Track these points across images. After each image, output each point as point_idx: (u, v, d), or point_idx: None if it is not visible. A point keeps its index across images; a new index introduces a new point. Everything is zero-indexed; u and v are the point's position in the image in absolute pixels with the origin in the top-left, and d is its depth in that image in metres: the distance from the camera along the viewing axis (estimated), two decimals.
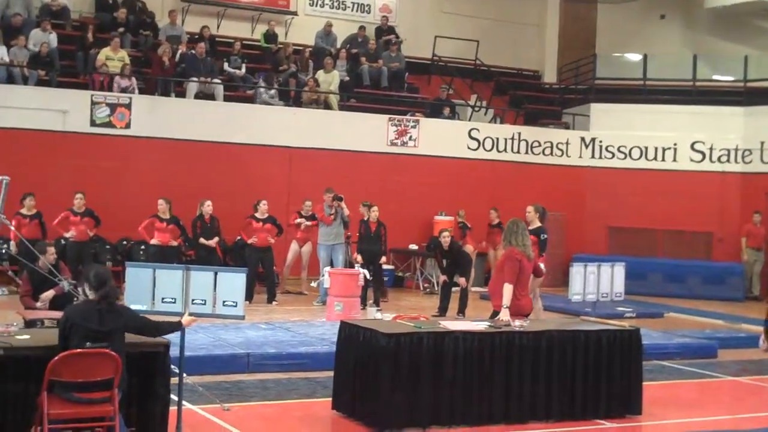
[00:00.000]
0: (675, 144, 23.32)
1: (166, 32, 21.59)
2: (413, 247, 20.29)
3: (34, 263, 10.77)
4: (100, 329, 7.14)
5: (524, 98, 24.99)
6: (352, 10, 25.00)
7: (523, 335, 9.22)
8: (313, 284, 17.89)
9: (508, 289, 9.71)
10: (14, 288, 15.69)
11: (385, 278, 18.11)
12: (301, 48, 22.94)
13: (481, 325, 9.42)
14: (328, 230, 17.35)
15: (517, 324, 9.38)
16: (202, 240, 16.78)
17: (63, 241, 15.98)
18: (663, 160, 23.43)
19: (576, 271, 15.31)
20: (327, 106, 21.54)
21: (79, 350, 7.04)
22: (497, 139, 22.60)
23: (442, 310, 15.71)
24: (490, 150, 22.48)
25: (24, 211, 15.80)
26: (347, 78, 22.49)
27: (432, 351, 8.82)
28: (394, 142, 21.44)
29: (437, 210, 20.91)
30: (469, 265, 16.53)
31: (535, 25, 27.03)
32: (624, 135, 23.43)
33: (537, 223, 13.16)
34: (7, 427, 7.38)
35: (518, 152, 22.78)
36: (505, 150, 22.63)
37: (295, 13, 24.15)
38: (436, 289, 18.48)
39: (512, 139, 22.79)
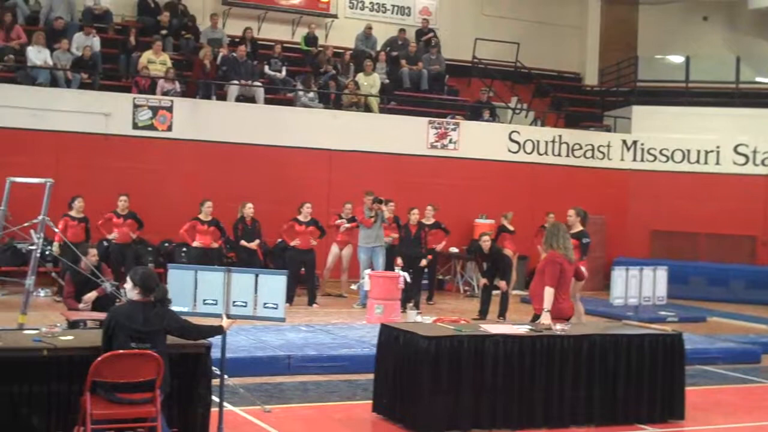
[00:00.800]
0: (718, 147, 23.11)
1: (207, 35, 21.72)
2: (453, 250, 20.25)
3: (76, 265, 10.86)
4: (143, 330, 7.19)
5: (565, 100, 24.87)
6: (392, 12, 25.00)
7: (564, 339, 9.17)
8: (354, 287, 17.90)
9: (549, 293, 9.66)
10: (57, 289, 15.89)
11: (425, 281, 18.06)
12: (341, 51, 22.99)
13: (521, 329, 9.38)
14: (369, 233, 17.35)
15: (558, 327, 9.32)
16: (243, 242, 16.85)
17: (105, 243, 16.11)
18: (706, 162, 23.22)
19: (618, 274, 15.23)
20: (367, 108, 21.57)
21: (121, 351, 7.10)
22: (538, 141, 22.51)
23: (483, 314, 15.66)
24: (531, 153, 22.39)
25: (73, 213, 15.93)
26: (387, 81, 22.50)
27: (472, 354, 8.79)
28: (434, 144, 21.41)
29: (477, 213, 20.84)
30: (510, 269, 16.47)
31: (576, 27, 26.89)
32: (666, 138, 23.24)
33: (579, 227, 13.07)
34: (51, 427, 7.45)
35: (559, 155, 22.68)
36: (545, 153, 22.53)
37: (335, 16, 24.19)
38: (476, 292, 18.43)
39: (553, 141, 22.69)
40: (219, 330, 7.71)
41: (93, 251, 11.06)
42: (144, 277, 7.40)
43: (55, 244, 15.25)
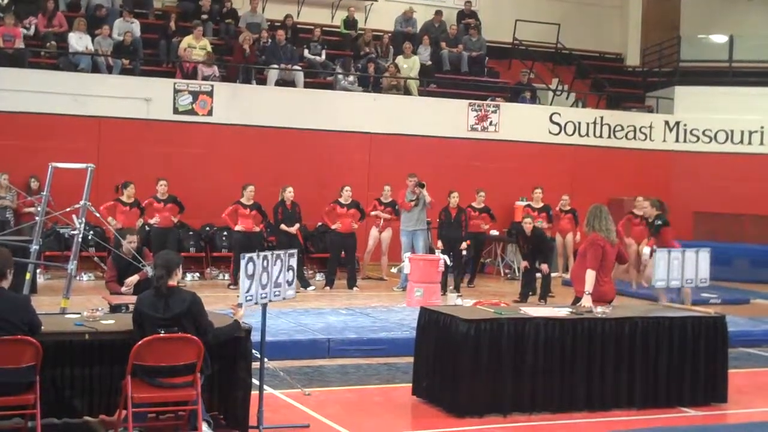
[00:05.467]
0: (762, 127, 22.82)
1: (246, 20, 21.75)
2: (494, 232, 20.16)
3: (119, 249, 10.94)
4: (165, 316, 7.23)
5: (606, 81, 24.63)
6: None
7: (605, 322, 9.12)
8: (394, 270, 17.90)
9: (590, 275, 9.59)
10: (100, 273, 16.02)
11: (466, 264, 18.01)
12: (380, 34, 22.93)
13: (562, 312, 9.33)
14: (409, 216, 17.33)
15: (599, 310, 9.26)
16: (282, 226, 16.88)
17: (147, 228, 16.22)
18: (749, 143, 22.94)
19: (660, 256, 15.03)
20: (407, 91, 21.52)
21: (162, 335, 7.15)
22: (579, 123, 22.34)
23: (523, 296, 15.60)
24: (572, 134, 22.23)
25: (124, 198, 16.04)
26: (428, 63, 22.42)
27: (512, 337, 8.76)
28: (474, 127, 21.33)
29: (518, 195, 20.74)
30: (551, 251, 16.37)
31: (617, 7, 26.64)
32: (709, 118, 22.97)
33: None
34: (93, 409, 7.54)
35: (601, 136, 22.49)
36: (587, 134, 22.35)
37: None
38: (517, 275, 18.36)
39: (594, 123, 22.50)
40: (237, 327, 7.71)
41: (132, 237, 11.11)
42: (165, 261, 7.48)
43: (115, 221, 15.28)
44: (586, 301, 9.50)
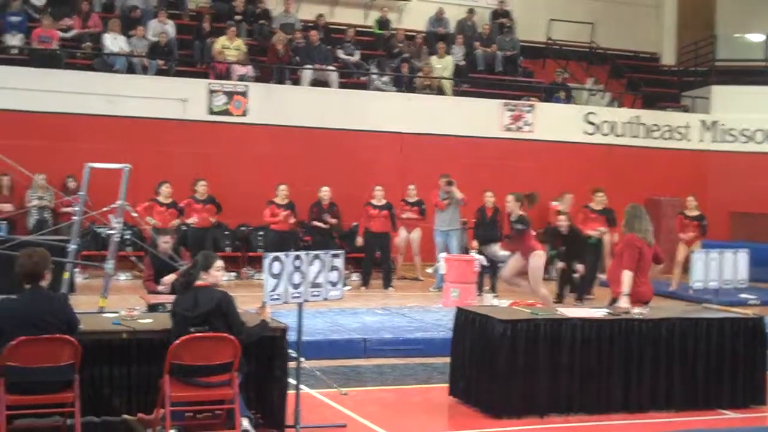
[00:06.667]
0: None
1: (280, 20, 21.80)
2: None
3: (156, 249, 10.98)
4: (194, 314, 7.25)
5: (642, 81, 24.47)
6: None
7: (642, 323, 9.06)
8: (429, 270, 17.86)
9: (627, 276, 9.52)
10: (137, 273, 16.09)
11: (502, 265, 17.90)
12: (413, 34, 22.91)
13: (599, 312, 9.28)
14: (443, 216, 17.31)
15: (637, 311, 9.20)
16: (314, 222, 16.92)
17: (184, 228, 16.27)
18: None
19: (698, 257, 14.91)
20: (440, 91, 21.48)
21: (198, 334, 7.17)
22: (614, 123, 22.20)
23: (560, 297, 15.51)
24: (607, 134, 22.09)
25: (161, 198, 16.11)
26: (462, 63, 22.37)
27: (549, 338, 8.73)
28: (508, 127, 21.25)
29: (553, 196, 20.62)
30: (587, 252, 16.24)
31: (652, 6, 26.44)
32: (747, 118, 22.76)
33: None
34: (132, 408, 7.57)
35: (636, 136, 22.34)
36: (622, 134, 22.20)
37: None
38: (553, 275, 18.25)
39: (630, 123, 22.35)
40: (265, 326, 7.71)
41: (166, 237, 11.14)
42: (199, 258, 7.52)
43: (154, 221, 15.36)
44: (624, 302, 9.44)
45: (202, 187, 16.53)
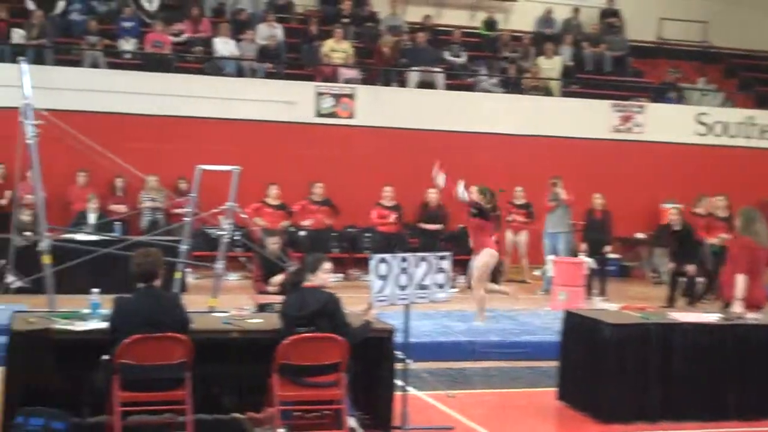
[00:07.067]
0: None
1: (387, 22, 21.87)
2: (639, 235, 19.77)
3: (264, 250, 11.11)
4: (301, 315, 7.29)
5: (756, 81, 23.86)
6: None
7: (757, 329, 8.83)
8: (537, 273, 17.72)
9: (741, 280, 9.28)
10: (247, 273, 16.32)
11: (611, 268, 17.68)
12: (520, 34, 22.75)
13: (712, 318, 9.07)
14: (551, 218, 17.15)
15: (751, 317, 8.97)
16: (422, 224, 16.93)
17: (291, 229, 16.44)
18: None
19: None
20: (548, 92, 21.29)
21: (307, 334, 7.22)
22: (728, 123, 21.67)
23: (671, 301, 15.21)
24: (720, 135, 21.58)
25: (269, 200, 16.30)
26: (570, 63, 22.14)
27: (660, 343, 8.59)
28: (618, 128, 20.94)
29: (663, 198, 20.26)
30: (699, 253, 15.89)
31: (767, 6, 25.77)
32: None
33: None
34: (241, 407, 7.66)
35: (750, 137, 21.76)
36: (736, 135, 21.66)
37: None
38: (664, 279, 17.93)
39: (743, 123, 21.80)
40: (368, 327, 7.70)
41: (274, 238, 11.25)
42: (307, 260, 7.57)
43: (262, 222, 15.59)
44: (737, 307, 9.21)
45: (318, 189, 16.68)
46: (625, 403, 8.51)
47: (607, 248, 16.70)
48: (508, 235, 17.79)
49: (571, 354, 9.09)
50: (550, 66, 21.51)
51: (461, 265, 17.78)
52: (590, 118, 20.69)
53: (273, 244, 11.05)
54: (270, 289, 10.72)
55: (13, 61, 16.48)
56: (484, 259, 12.63)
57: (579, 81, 21.98)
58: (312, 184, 16.65)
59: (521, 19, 23.61)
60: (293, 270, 7.66)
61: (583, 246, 16.23)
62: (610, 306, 12.10)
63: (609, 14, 23.96)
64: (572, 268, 14.91)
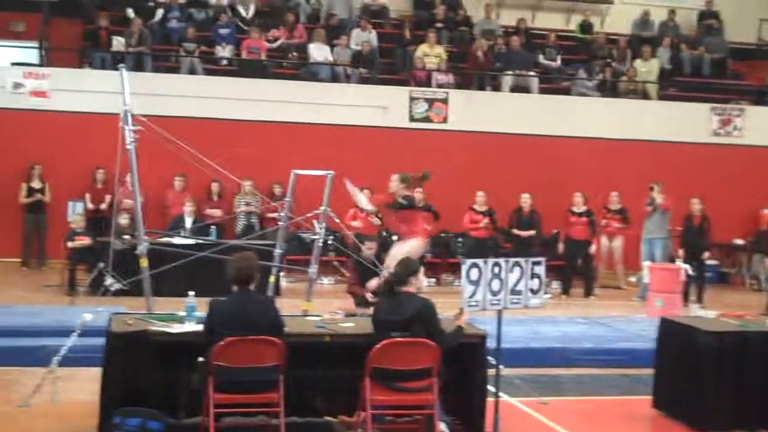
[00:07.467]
0: None
1: (481, 26, 21.81)
2: (738, 241, 19.35)
3: (358, 255, 11.16)
4: (396, 320, 7.28)
5: None
6: None
7: None
8: (632, 279, 17.48)
9: None
10: (340, 277, 16.45)
11: (709, 274, 17.35)
12: (616, 37, 22.46)
13: None
14: (647, 223, 16.90)
15: None
16: (514, 230, 16.85)
17: (384, 234, 16.45)
18: None
19: None
20: (645, 95, 20.99)
21: (399, 339, 7.22)
22: None
23: None
24: None
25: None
26: (668, 66, 21.79)
27: (759, 351, 8.39)
28: (717, 132, 20.55)
29: (764, 203, 19.79)
30: None
31: None
32: None
33: None
34: (333, 410, 7.70)
35: None
36: None
37: (611, 2, 23.64)
38: (763, 285, 17.54)
39: None
40: (460, 333, 7.66)
41: (370, 243, 11.29)
42: (402, 266, 7.56)
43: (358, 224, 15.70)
44: None
45: (418, 195, 16.68)
46: (723, 412, 8.34)
47: (706, 254, 16.41)
48: (603, 240, 17.56)
49: (666, 362, 8.95)
50: (647, 69, 21.21)
51: (554, 271, 17.71)
52: (689, 122, 20.34)
53: (368, 249, 11.09)
54: (369, 296, 10.76)
55: (114, 68, 16.94)
56: (405, 248, 11.66)
57: (677, 84, 21.62)
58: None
59: (617, 21, 23.34)
60: (389, 275, 7.65)
61: (681, 252, 15.94)
62: (707, 313, 11.84)
63: (708, 16, 23.52)
64: (669, 274, 14.67)
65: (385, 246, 14.77)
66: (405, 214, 12.18)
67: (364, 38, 20.14)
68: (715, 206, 17.31)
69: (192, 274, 13.39)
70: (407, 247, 11.73)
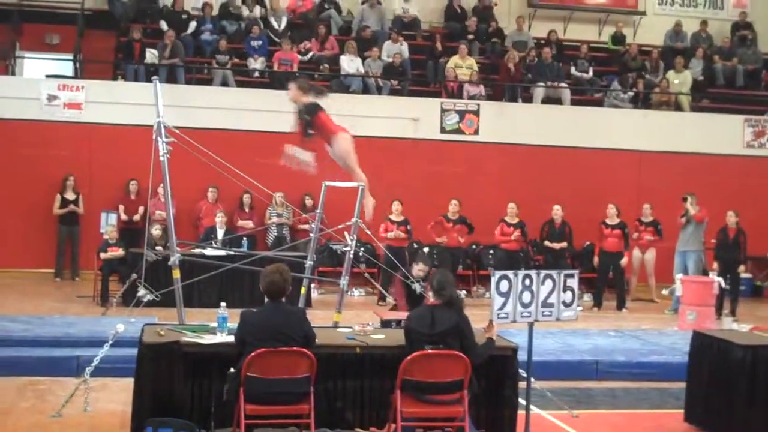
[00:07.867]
0: None
1: (512, 38, 21.80)
2: None
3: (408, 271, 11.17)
4: (432, 332, 7.28)
5: None
6: (704, 6, 23.98)
7: None
8: (664, 292, 17.37)
9: None
10: (370, 289, 16.46)
11: (742, 287, 17.20)
12: (648, 48, 22.37)
13: None
14: (681, 235, 16.79)
15: None
16: (546, 243, 16.82)
17: (415, 245, 16.45)
18: None
19: None
20: (678, 107, 20.89)
21: (429, 351, 7.22)
22: None
23: None
24: None
25: (392, 216, 16.41)
26: (701, 78, 21.68)
27: None
28: (750, 143, 20.42)
29: None
30: None
31: None
32: None
33: None
34: (364, 422, 7.70)
35: None
36: None
37: (643, 13, 23.54)
38: None
39: None
40: (491, 345, 7.65)
41: (422, 266, 11.16)
42: (437, 280, 7.54)
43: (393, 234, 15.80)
44: None
45: (453, 207, 16.71)
46: (756, 427, 8.26)
47: (741, 268, 16.28)
48: (636, 253, 17.47)
49: (699, 375, 8.87)
50: (680, 80, 21.10)
51: (585, 283, 17.65)
52: (722, 134, 20.23)
53: (419, 271, 11.02)
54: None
55: (147, 80, 17.06)
56: (342, 144, 11.09)
57: (710, 95, 21.50)
58: (450, 201, 16.70)
59: (649, 33, 23.24)
60: (422, 286, 7.65)
61: (715, 265, 15.82)
62: (741, 327, 11.77)
63: (741, 27, 23.38)
64: (702, 287, 14.56)
65: (413, 257, 14.81)
66: (313, 120, 11.11)
67: (395, 50, 20.18)
68: (750, 219, 17.18)
69: (224, 286, 13.46)
70: (342, 143, 11.07)
